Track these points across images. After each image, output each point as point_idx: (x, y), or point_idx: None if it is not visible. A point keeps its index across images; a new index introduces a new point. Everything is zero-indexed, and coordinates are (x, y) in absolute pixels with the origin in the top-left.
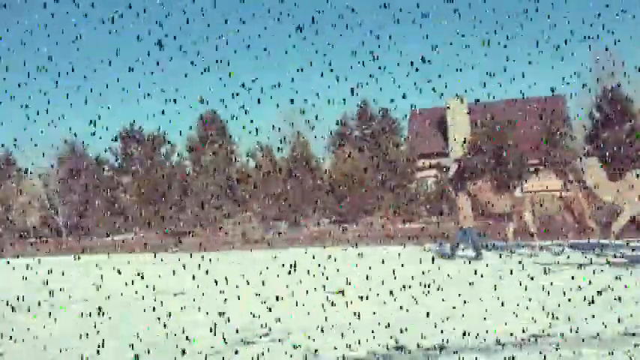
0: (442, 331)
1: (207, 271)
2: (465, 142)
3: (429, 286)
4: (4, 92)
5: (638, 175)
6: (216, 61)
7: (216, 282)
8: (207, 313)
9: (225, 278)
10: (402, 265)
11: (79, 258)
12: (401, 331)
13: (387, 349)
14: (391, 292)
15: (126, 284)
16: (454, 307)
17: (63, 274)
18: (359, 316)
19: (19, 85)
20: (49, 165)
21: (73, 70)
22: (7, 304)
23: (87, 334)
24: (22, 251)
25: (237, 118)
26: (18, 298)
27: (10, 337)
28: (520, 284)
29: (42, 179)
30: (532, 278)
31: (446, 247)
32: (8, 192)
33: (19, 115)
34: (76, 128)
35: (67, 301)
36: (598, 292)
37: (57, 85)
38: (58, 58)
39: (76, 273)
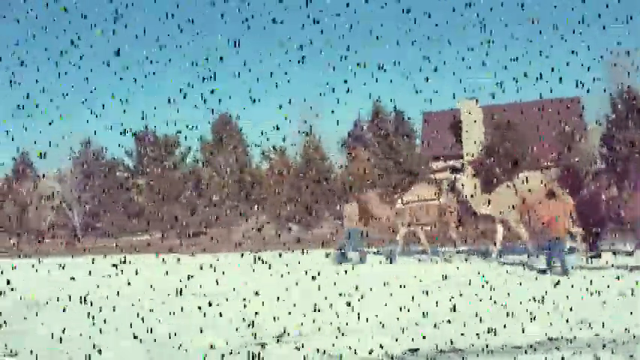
0: (460, 334)
1: (223, 272)
2: (475, 143)
3: (443, 287)
4: (23, 94)
5: (508, 186)
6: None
7: (230, 283)
8: (221, 315)
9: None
10: (416, 266)
11: (93, 259)
12: (416, 333)
13: (402, 351)
14: (407, 294)
15: (140, 284)
16: (474, 309)
17: (78, 273)
18: (374, 318)
19: (43, 91)
20: (65, 166)
21: (91, 71)
22: (23, 302)
23: (100, 331)
24: (38, 251)
25: (250, 120)
26: (34, 297)
27: (25, 336)
28: (531, 285)
29: (58, 180)
30: (536, 279)
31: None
32: (25, 193)
33: (37, 117)
34: (92, 130)
35: (82, 300)
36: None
37: (73, 88)
38: (75, 60)
39: (91, 272)
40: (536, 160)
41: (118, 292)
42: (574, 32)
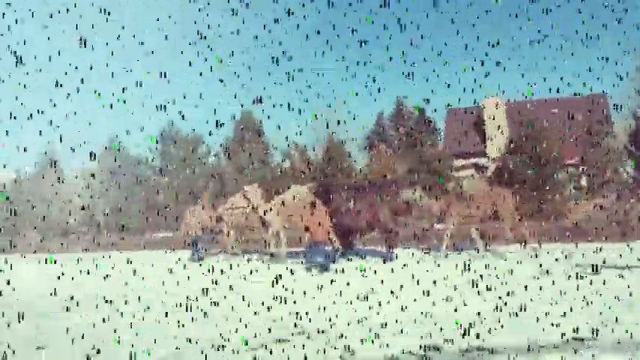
0: (478, 332)
1: (239, 269)
2: (499, 140)
3: (462, 286)
4: (48, 94)
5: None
6: (253, 59)
7: (249, 279)
8: (237, 311)
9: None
10: (434, 264)
11: (120, 253)
12: (439, 330)
13: (423, 348)
14: (424, 292)
15: (163, 282)
16: (494, 307)
17: (102, 270)
18: (391, 314)
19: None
20: (89, 164)
21: (112, 75)
22: (56, 298)
23: (130, 326)
24: (63, 248)
25: (271, 119)
26: (57, 294)
27: (51, 333)
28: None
29: (83, 178)
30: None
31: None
32: (50, 190)
33: (61, 114)
34: (116, 128)
35: (107, 298)
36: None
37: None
38: (98, 60)
39: (116, 270)
40: (561, 158)
41: (145, 292)
42: (603, 26)
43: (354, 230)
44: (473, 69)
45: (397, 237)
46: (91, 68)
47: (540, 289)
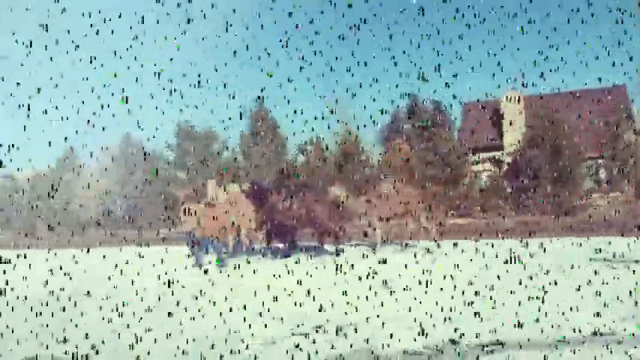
0: (496, 327)
1: (263, 263)
2: (517, 134)
3: (482, 280)
4: (67, 89)
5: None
6: (267, 54)
7: (268, 273)
8: (264, 305)
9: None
10: (455, 259)
11: (142, 247)
12: (457, 325)
13: (443, 343)
14: (441, 287)
15: (159, 277)
16: (519, 302)
17: (122, 264)
18: (410, 309)
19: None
20: (108, 159)
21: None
22: (76, 291)
23: (149, 320)
24: (84, 242)
25: (286, 114)
26: (84, 287)
27: (76, 325)
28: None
29: (101, 172)
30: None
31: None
32: (69, 185)
33: (80, 110)
34: (134, 122)
35: (127, 292)
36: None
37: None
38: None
39: (135, 264)
40: (580, 151)
41: (165, 283)
42: (622, 13)
43: (291, 227)
44: (495, 54)
45: (345, 233)
46: (97, 69)
47: (554, 284)
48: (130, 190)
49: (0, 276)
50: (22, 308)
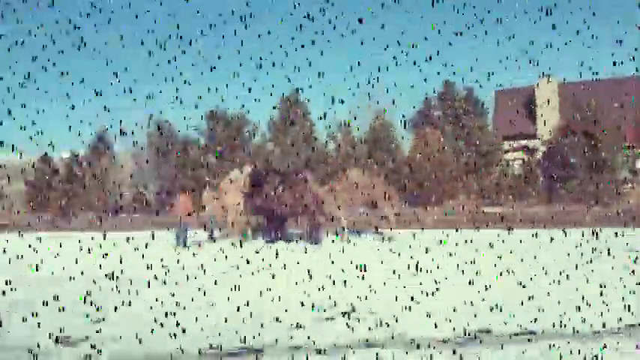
0: (530, 317)
1: (285, 250)
2: (551, 122)
3: (513, 271)
4: (99, 74)
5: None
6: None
7: (289, 260)
8: (287, 290)
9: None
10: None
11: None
12: (489, 313)
13: (475, 332)
14: (477, 273)
15: (215, 259)
16: (546, 293)
17: (150, 248)
18: (441, 297)
19: (115, 75)
20: (140, 144)
21: (163, 48)
22: (109, 277)
23: (179, 305)
24: (117, 227)
25: (318, 100)
26: (131, 274)
27: (115, 308)
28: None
29: (133, 157)
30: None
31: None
32: (103, 169)
33: (110, 95)
34: (164, 108)
35: (160, 276)
36: None
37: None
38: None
39: (166, 248)
40: (620, 140)
41: (199, 268)
42: None
43: (283, 213)
44: (533, 41)
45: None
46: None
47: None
48: (163, 174)
49: (51, 260)
50: (67, 285)
